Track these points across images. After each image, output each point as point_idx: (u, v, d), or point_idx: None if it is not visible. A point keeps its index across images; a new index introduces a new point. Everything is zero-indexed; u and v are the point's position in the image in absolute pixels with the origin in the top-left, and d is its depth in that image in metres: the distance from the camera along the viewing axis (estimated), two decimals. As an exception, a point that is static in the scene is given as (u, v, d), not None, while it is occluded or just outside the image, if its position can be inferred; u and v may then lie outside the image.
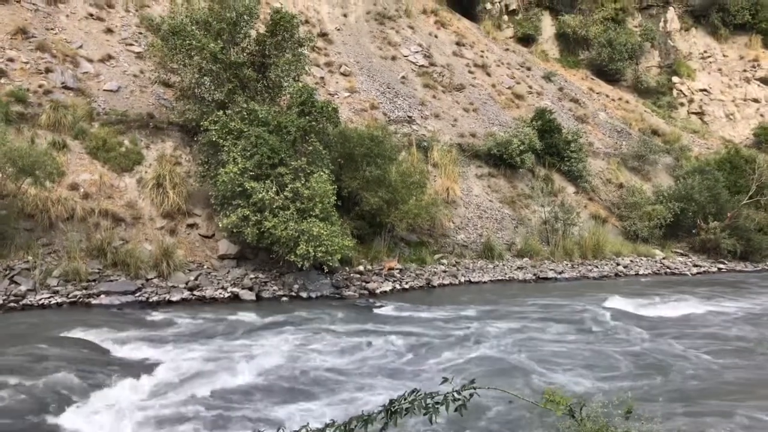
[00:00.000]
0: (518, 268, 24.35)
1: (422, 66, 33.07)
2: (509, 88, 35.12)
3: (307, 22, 31.03)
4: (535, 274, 24.09)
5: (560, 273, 24.72)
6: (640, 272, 26.35)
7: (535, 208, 27.93)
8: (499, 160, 28.59)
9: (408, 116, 29.16)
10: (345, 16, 33.81)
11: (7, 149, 16.20)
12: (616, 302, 19.32)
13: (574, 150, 30.34)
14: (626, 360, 13.43)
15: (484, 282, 22.58)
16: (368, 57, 31.94)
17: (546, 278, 24.02)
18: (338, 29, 32.76)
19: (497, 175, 28.66)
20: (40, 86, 20.91)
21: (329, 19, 32.97)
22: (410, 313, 17.40)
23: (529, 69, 38.03)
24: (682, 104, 42.49)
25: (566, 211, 27.05)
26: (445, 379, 4.30)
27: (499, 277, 23.19)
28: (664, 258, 28.31)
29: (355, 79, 30.00)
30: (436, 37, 35.78)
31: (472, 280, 22.47)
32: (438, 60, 34.03)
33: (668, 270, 27.13)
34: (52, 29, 23.33)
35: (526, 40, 41.60)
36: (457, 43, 36.16)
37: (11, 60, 21.28)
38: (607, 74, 41.41)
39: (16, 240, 16.98)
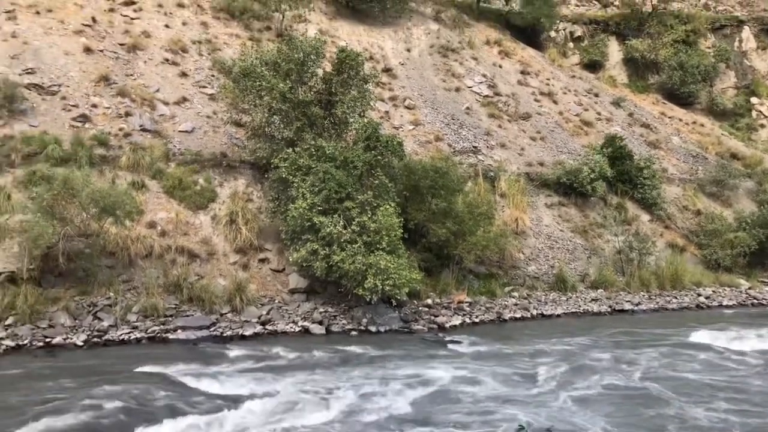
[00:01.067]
0: (593, 300, 23.59)
1: (487, 96, 32.97)
2: (577, 115, 34.51)
3: (371, 58, 31.55)
4: (610, 306, 23.27)
5: (637, 305, 23.80)
6: (724, 303, 25.08)
7: (608, 238, 27.10)
8: (569, 188, 27.99)
9: (473, 146, 29.03)
10: (408, 50, 34.22)
11: (91, 191, 17.02)
12: (705, 335, 18.50)
13: (647, 177, 29.38)
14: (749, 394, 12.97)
15: (558, 315, 21.97)
16: (432, 89, 32.13)
17: (622, 310, 23.19)
18: (402, 64, 33.16)
19: (568, 204, 28.04)
20: (121, 129, 21.99)
21: (393, 55, 33.43)
22: (485, 347, 17.11)
23: (596, 95, 37.31)
24: (762, 126, 40.59)
25: (641, 240, 26.13)
26: (522, 428, 4.15)
27: (573, 310, 22.53)
28: (749, 288, 26.86)
29: (419, 111, 30.19)
30: (500, 66, 35.67)
31: (545, 313, 21.90)
32: (503, 89, 33.86)
33: (755, 300, 25.72)
34: (131, 75, 24.59)
35: (593, 66, 40.93)
36: (522, 72, 35.92)
37: (95, 106, 22.51)
38: (680, 98, 40.09)
39: (98, 277, 17.73)
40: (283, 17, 30.64)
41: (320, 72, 22.80)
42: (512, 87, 34.48)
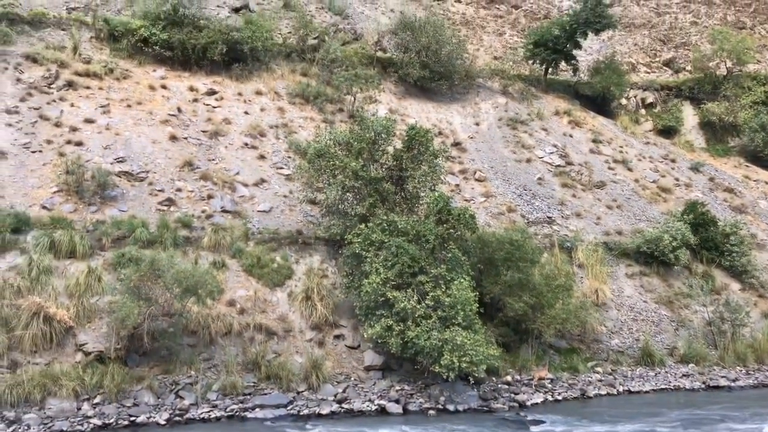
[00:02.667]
0: (683, 375, 22.24)
1: (558, 166, 32.72)
2: (654, 182, 33.64)
3: (440, 133, 32.13)
4: (704, 382, 21.85)
5: (734, 380, 22.24)
6: (833, 378, 23.06)
7: (696, 308, 25.74)
8: (650, 257, 26.98)
9: (547, 217, 28.64)
10: (477, 124, 34.65)
11: (175, 271, 17.74)
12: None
13: (735, 243, 28.02)
14: None
15: (646, 391, 20.79)
16: (502, 161, 32.21)
17: (717, 387, 21.71)
18: (471, 137, 33.54)
19: (650, 274, 26.96)
20: (203, 211, 23.02)
21: (462, 129, 33.91)
22: (570, 427, 16.26)
23: (673, 161, 36.38)
24: None
25: (733, 311, 24.65)
26: None
27: (663, 386, 21.29)
28: None
29: (491, 183, 30.21)
30: (570, 136, 35.50)
31: (632, 389, 20.79)
32: (575, 159, 33.56)
33: None
34: (213, 160, 25.92)
35: (667, 132, 40.09)
36: (594, 141, 35.58)
37: (179, 190, 23.75)
38: (764, 160, 38.51)
39: (180, 355, 18.19)
40: (355, 99, 31.83)
41: (391, 149, 23.35)
42: (584, 156, 34.12)
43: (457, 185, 29.26)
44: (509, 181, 30.76)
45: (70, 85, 26.99)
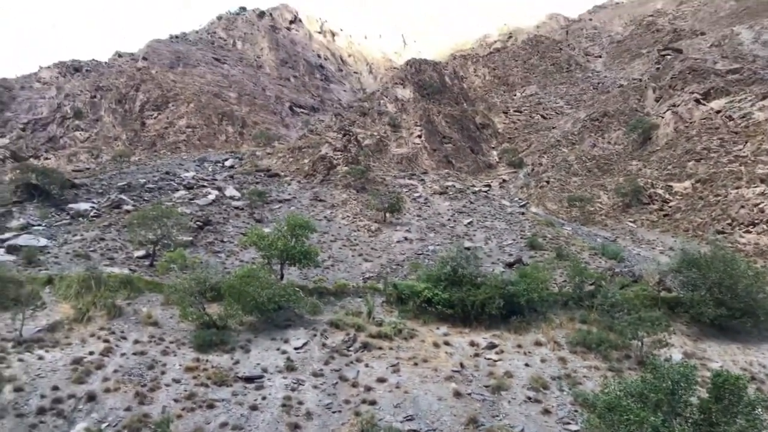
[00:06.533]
0: None
1: None
2: None
3: (753, 378, 27.75)
4: None
5: None
6: None
7: None
8: None
9: None
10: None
11: None
12: None
13: None
14: None
15: None
16: None
17: None
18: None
19: None
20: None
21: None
22: None
23: None
24: None
25: None
26: None
27: None
28: None
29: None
30: None
31: None
32: None
33: None
34: (497, 416, 25.32)
35: None
36: None
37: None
38: None
39: None
40: (642, 344, 29.66)
41: (695, 400, 20.56)
42: None
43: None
44: None
45: (365, 346, 29.69)
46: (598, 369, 28.81)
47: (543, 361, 29.35)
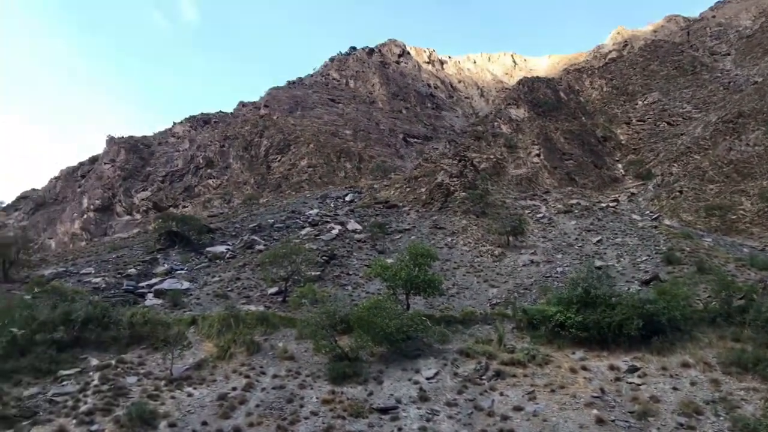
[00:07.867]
0: None
1: None
2: None
3: None
4: None
5: None
6: None
7: None
8: None
9: None
10: None
11: None
12: None
13: None
14: None
15: None
16: None
17: None
18: None
19: None
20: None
21: None
22: None
23: None
24: None
25: None
26: None
27: None
28: None
29: None
30: None
31: None
32: None
33: None
34: (646, 444, 23.70)
35: None
36: None
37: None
38: None
39: None
40: (808, 362, 26.73)
41: None
42: None
43: None
44: None
45: (498, 374, 28.99)
46: (758, 391, 26.23)
47: (693, 384, 27.19)
